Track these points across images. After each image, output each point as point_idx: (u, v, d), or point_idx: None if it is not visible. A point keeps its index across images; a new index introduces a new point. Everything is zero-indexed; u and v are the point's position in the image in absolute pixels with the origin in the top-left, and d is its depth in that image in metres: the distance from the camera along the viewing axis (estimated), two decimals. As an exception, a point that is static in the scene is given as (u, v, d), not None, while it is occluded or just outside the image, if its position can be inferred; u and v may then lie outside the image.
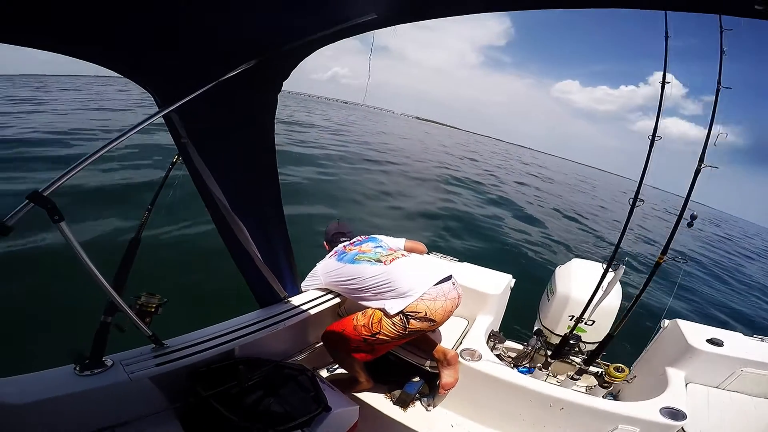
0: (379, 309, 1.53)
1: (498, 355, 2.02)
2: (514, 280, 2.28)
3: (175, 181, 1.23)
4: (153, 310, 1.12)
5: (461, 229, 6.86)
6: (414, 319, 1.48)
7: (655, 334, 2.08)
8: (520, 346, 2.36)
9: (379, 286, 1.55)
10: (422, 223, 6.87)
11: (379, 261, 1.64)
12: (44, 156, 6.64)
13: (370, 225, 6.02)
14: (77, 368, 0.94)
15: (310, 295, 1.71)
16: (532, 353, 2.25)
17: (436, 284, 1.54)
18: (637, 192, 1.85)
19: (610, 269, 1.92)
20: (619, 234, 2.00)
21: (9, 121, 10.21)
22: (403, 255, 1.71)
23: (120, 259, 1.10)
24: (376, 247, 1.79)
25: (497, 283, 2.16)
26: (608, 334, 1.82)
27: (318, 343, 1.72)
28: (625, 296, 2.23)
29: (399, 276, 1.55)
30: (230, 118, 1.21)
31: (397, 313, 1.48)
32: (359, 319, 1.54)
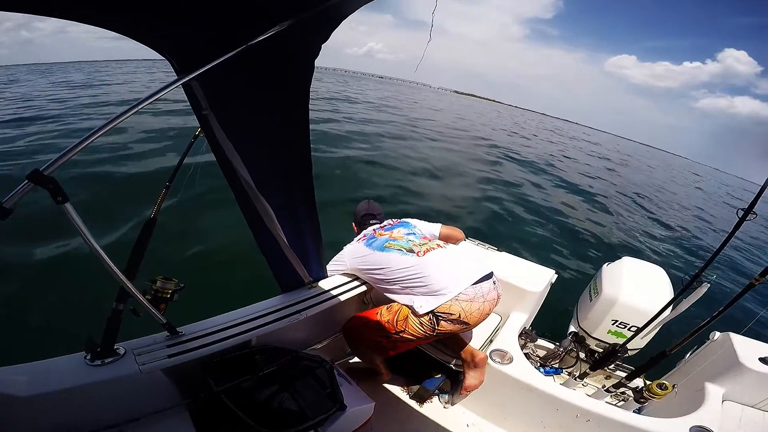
0: (407, 305, 1.41)
1: (526, 354, 1.91)
2: (556, 275, 2.10)
3: (197, 157, 1.15)
4: (168, 296, 1.07)
5: (508, 210, 6.51)
6: (445, 321, 1.35)
7: (700, 345, 1.88)
8: (550, 345, 2.22)
9: (408, 280, 1.42)
10: (468, 203, 6.54)
11: (411, 251, 1.48)
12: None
13: (412, 204, 5.78)
14: (88, 357, 0.91)
15: (335, 281, 1.63)
16: (563, 355, 2.11)
17: (474, 283, 1.39)
18: (754, 202, 1.45)
19: (693, 285, 1.66)
20: (717, 247, 1.62)
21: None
22: (438, 246, 1.55)
23: (134, 240, 1.04)
24: (409, 233, 1.64)
25: (538, 279, 1.99)
26: (662, 352, 1.61)
27: (338, 332, 1.67)
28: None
29: (432, 271, 1.41)
30: (259, 88, 1.05)
31: (427, 313, 1.35)
32: (383, 314, 1.44)
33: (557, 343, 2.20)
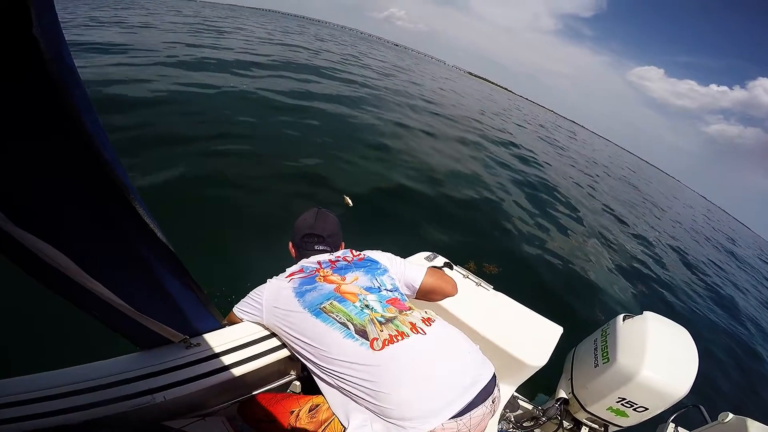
0: (340, 420, 0.84)
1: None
2: (562, 330, 1.62)
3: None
4: None
5: (497, 222, 5.30)
6: None
7: (704, 426, 1.55)
8: (528, 406, 1.82)
9: (350, 382, 0.82)
10: (465, 208, 5.22)
11: (364, 334, 0.86)
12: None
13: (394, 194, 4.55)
14: None
15: (237, 335, 1.00)
16: (543, 422, 1.72)
17: (460, 413, 0.77)
18: None
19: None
20: None
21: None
22: (413, 328, 0.88)
23: None
24: (369, 289, 1.01)
25: (543, 346, 1.49)
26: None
27: (236, 400, 1.08)
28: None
29: (392, 382, 0.79)
30: None
31: None
32: (302, 417, 0.88)
33: (538, 408, 1.79)
